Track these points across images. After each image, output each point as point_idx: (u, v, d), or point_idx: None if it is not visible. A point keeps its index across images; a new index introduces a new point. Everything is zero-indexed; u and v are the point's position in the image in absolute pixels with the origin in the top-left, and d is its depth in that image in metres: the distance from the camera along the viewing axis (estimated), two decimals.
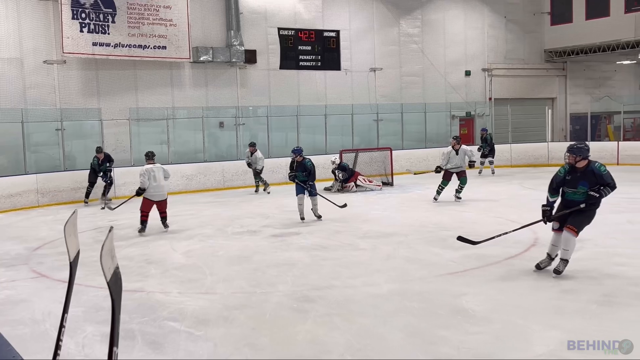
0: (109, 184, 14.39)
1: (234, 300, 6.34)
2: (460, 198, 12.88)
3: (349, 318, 5.62)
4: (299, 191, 11.03)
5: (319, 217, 11.07)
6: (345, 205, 11.45)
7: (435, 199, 12.90)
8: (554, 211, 6.75)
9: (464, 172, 12.86)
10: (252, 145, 15.91)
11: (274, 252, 8.69)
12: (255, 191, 15.91)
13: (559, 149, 20.62)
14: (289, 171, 11.31)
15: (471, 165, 13.07)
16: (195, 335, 5.28)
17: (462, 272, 7.08)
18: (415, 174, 15.39)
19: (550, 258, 6.84)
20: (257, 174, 15.75)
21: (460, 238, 7.61)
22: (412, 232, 9.72)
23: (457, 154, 12.71)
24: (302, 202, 10.95)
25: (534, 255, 7.70)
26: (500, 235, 7.43)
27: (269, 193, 15.55)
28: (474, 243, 7.50)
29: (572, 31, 23.96)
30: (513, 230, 7.40)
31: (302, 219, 10.96)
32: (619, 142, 21.43)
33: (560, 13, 24.48)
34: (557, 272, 6.57)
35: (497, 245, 8.22)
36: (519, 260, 7.55)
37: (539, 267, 6.85)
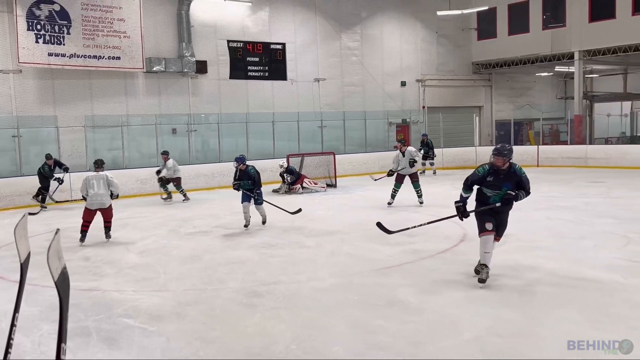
0: (57, 186, 13.86)
1: (186, 297, 6.25)
2: (422, 202, 12.30)
3: (295, 311, 5.62)
4: (245, 199, 10.27)
5: (264, 222, 10.52)
6: (299, 211, 10.89)
7: (389, 203, 12.34)
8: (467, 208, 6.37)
9: (415, 174, 12.38)
10: (165, 153, 14.73)
11: (225, 251, 8.61)
12: (185, 199, 14.59)
13: (486, 152, 21.12)
14: (233, 181, 10.43)
15: (411, 163, 12.39)
16: (148, 330, 5.18)
17: (398, 266, 7.17)
18: (374, 179, 14.21)
19: (486, 266, 6.19)
20: (164, 183, 14.48)
21: (379, 225, 7.41)
22: (353, 230, 9.79)
23: (404, 156, 12.28)
24: (248, 210, 10.32)
25: (463, 250, 7.90)
26: (414, 227, 7.32)
27: (164, 199, 14.47)
28: (389, 232, 7.39)
29: (496, 46, 24.63)
30: (427, 223, 7.27)
31: (246, 226, 10.27)
32: (539, 146, 22.13)
33: (486, 29, 25.11)
34: (479, 275, 6.26)
35: (429, 241, 8.40)
36: (449, 255, 7.70)
37: (482, 280, 6.09)
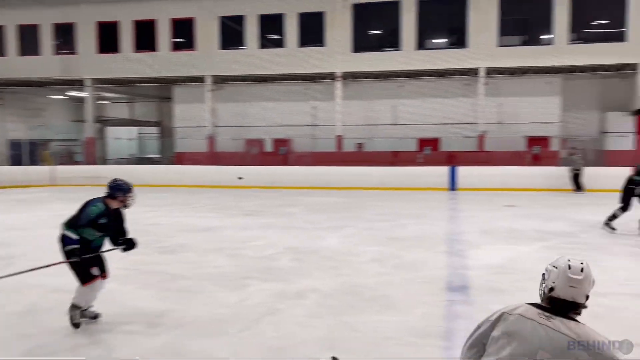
0: None
1: None
2: None
3: None
4: None
5: None
6: None
7: None
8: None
9: None
10: None
11: None
12: None
13: (3, 173, 19.37)
14: None
15: None
16: None
17: None
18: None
19: (85, 313, 4.90)
20: None
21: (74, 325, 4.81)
22: None
23: None
24: None
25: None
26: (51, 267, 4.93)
27: None
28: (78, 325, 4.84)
29: (6, 65, 23.04)
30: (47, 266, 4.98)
31: None
32: (55, 166, 21.44)
33: None
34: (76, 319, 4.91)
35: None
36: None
37: (78, 325, 4.80)
